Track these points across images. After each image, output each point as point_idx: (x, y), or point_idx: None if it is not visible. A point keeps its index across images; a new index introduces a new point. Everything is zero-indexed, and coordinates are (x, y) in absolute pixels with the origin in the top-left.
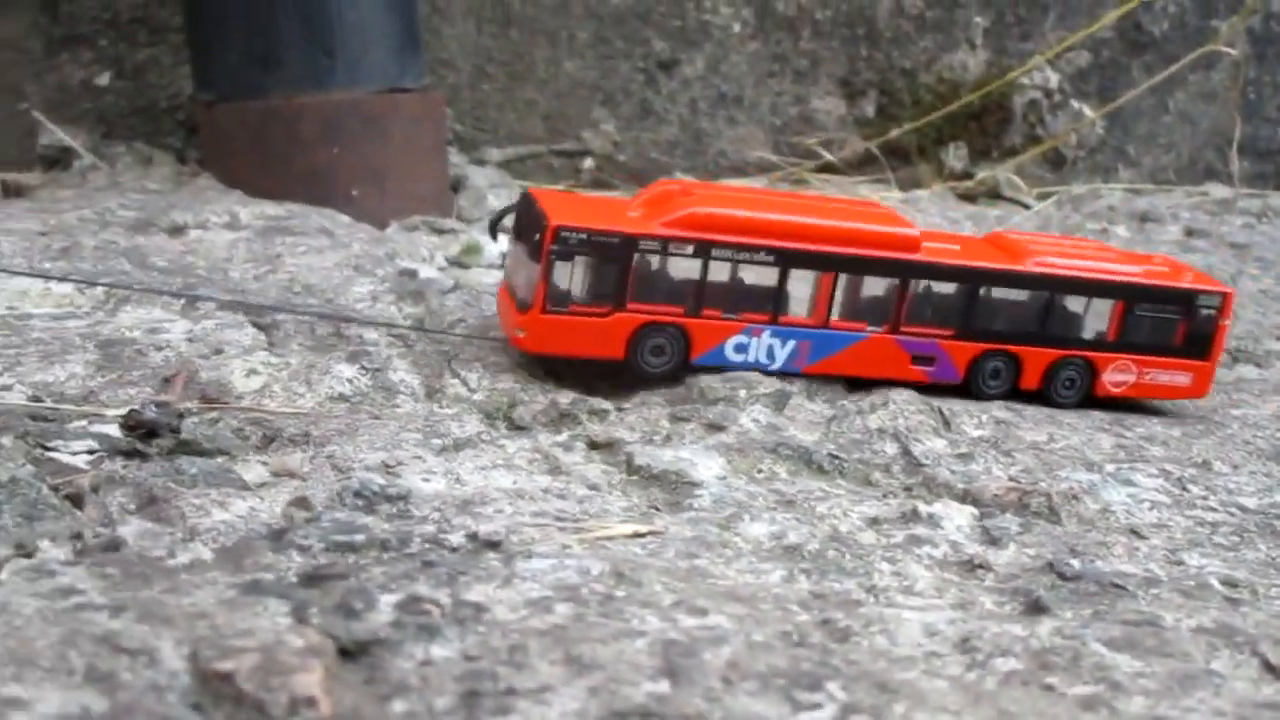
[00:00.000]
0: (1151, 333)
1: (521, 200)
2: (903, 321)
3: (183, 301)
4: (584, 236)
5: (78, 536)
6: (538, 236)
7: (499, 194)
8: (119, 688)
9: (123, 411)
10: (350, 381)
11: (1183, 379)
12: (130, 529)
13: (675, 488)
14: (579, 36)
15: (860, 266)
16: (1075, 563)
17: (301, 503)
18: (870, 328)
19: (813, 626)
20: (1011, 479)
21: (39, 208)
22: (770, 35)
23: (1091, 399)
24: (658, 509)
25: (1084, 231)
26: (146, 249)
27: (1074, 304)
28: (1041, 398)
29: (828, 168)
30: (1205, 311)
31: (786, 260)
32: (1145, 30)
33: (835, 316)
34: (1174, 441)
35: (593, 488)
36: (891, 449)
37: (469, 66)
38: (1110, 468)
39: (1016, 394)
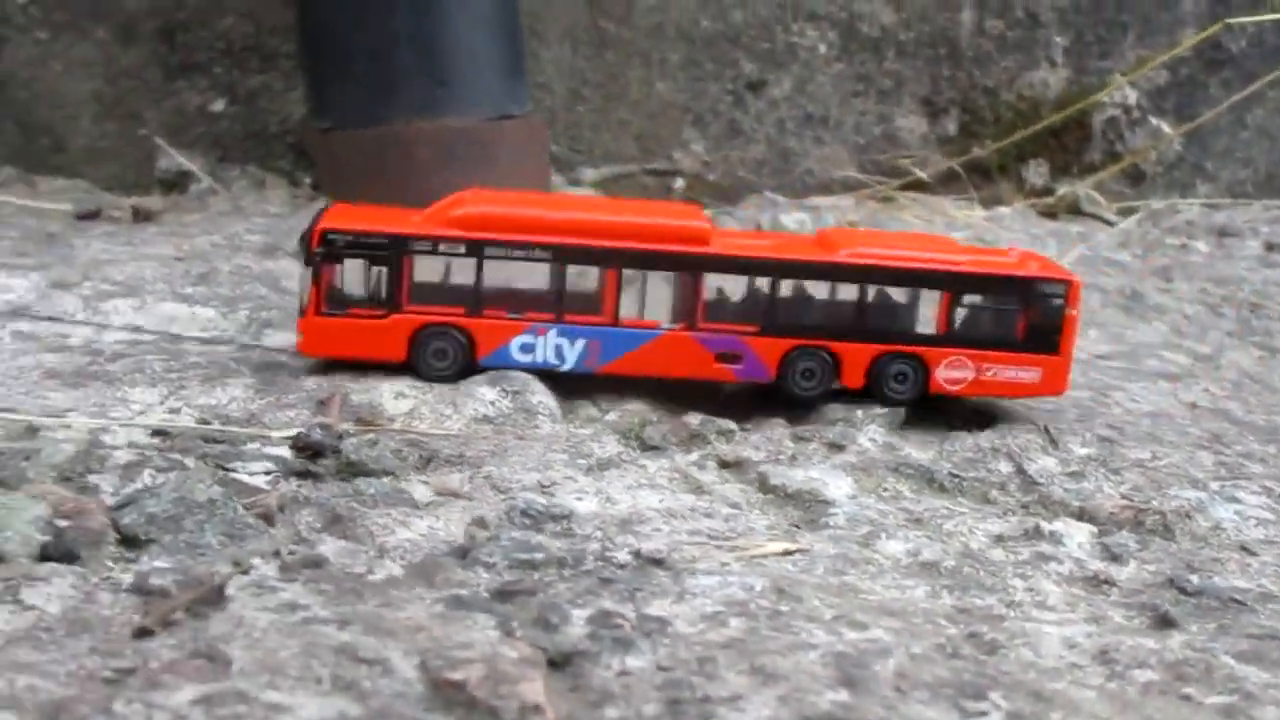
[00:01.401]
0: (986, 325)
1: (315, 214)
2: (701, 318)
3: None
4: (351, 238)
5: (276, 554)
6: (305, 246)
7: None
8: (367, 695)
9: (289, 433)
10: (493, 404)
11: (1030, 375)
12: (328, 547)
13: (809, 506)
14: (671, 59)
15: (643, 261)
16: (1194, 578)
17: (480, 522)
18: (665, 325)
19: (962, 640)
20: (1124, 497)
21: (169, 232)
22: (855, 56)
23: (930, 399)
24: (797, 527)
25: (1163, 248)
26: (277, 273)
27: (895, 296)
28: (871, 396)
29: (913, 185)
30: (1050, 302)
31: (563, 257)
32: (1224, 48)
33: (625, 314)
34: (1271, 459)
35: (734, 506)
36: (1006, 468)
37: (564, 89)
38: (1215, 485)
39: (843, 393)
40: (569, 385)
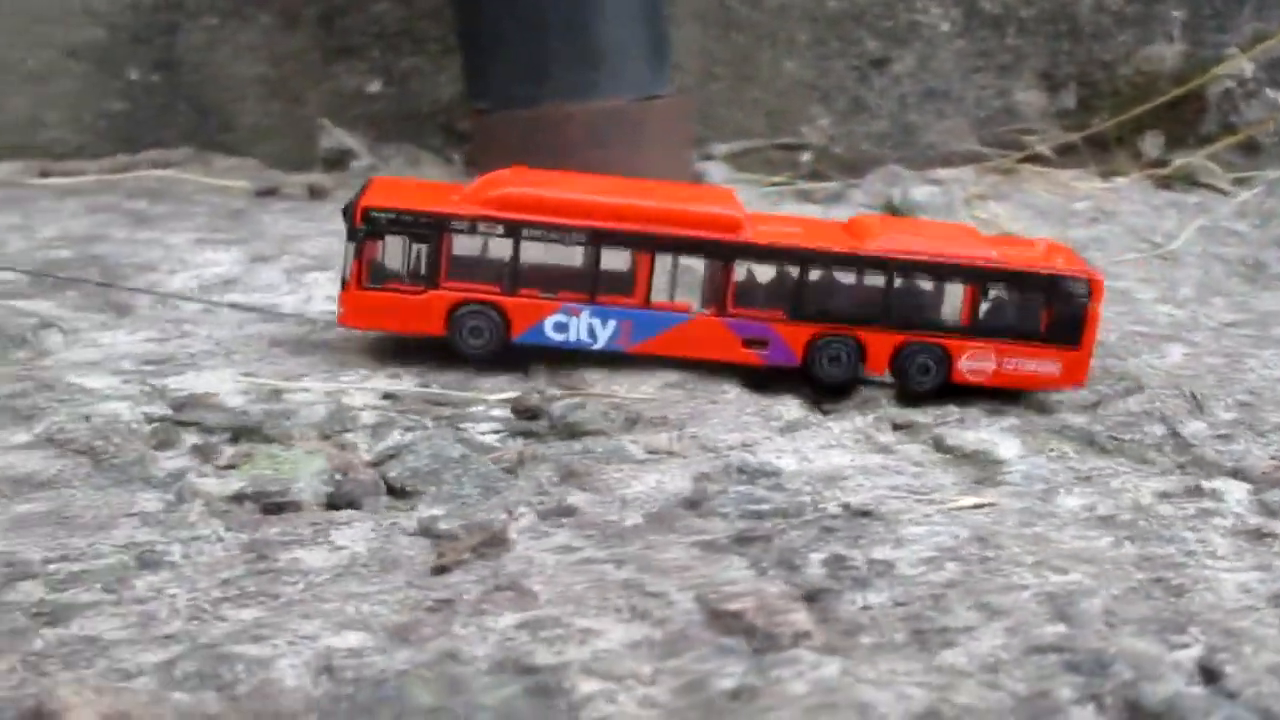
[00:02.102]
0: (1010, 318)
1: (358, 191)
2: (730, 303)
3: None
4: (393, 216)
5: (530, 504)
6: (350, 216)
7: (740, 187)
8: (661, 622)
9: (505, 397)
10: (680, 371)
11: (1051, 367)
12: (577, 498)
13: (985, 465)
14: (798, 38)
15: (676, 246)
16: None
17: (706, 476)
18: (696, 309)
19: (1150, 584)
20: (1273, 457)
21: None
22: (976, 33)
23: (953, 387)
24: (979, 484)
25: (1277, 219)
26: None
27: (921, 288)
28: (895, 384)
29: (1033, 158)
30: (1073, 298)
31: (599, 240)
32: None
33: (657, 297)
34: None
35: (918, 464)
36: (1159, 430)
37: (697, 69)
38: None
39: (867, 380)
40: None
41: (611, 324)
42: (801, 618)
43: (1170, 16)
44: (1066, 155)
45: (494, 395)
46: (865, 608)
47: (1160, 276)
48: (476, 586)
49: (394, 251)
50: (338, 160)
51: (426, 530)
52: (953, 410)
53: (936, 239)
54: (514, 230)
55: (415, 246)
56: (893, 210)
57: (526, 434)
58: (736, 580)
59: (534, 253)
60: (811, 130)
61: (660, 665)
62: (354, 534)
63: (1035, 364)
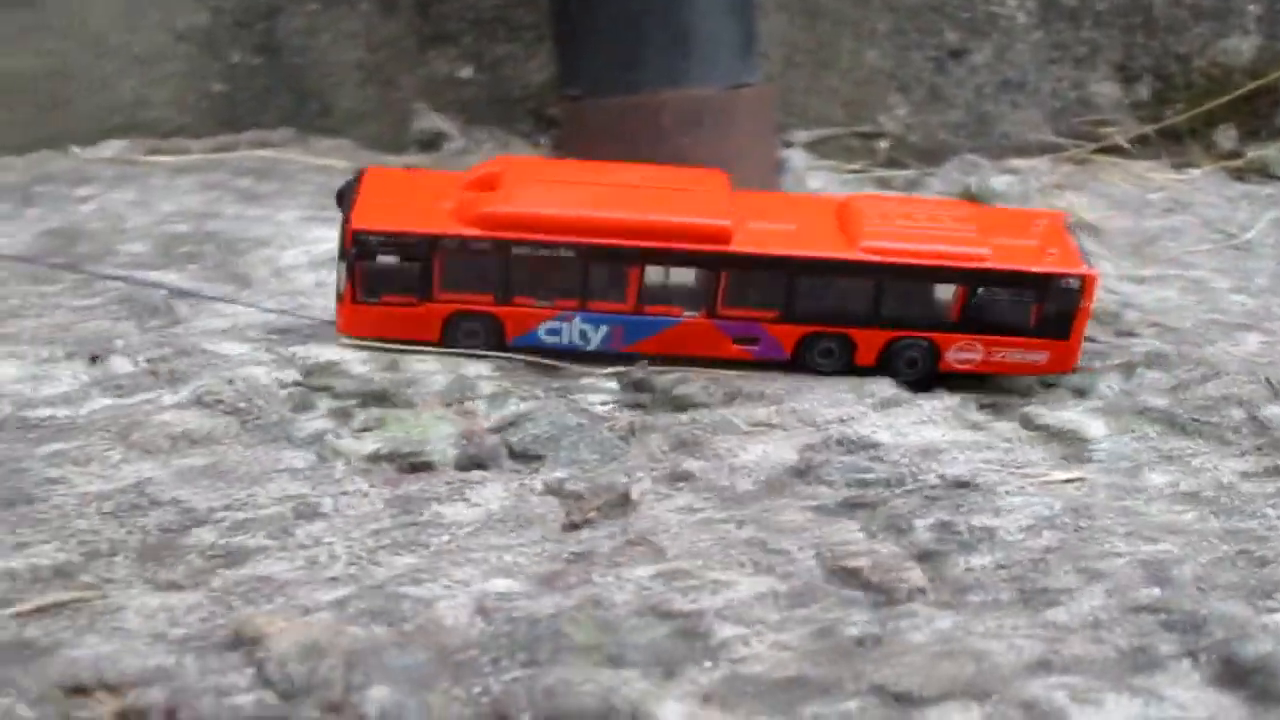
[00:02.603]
0: (1000, 315)
1: (353, 179)
2: (720, 306)
3: None
4: (383, 239)
5: (645, 469)
6: (342, 233)
7: (817, 175)
8: (786, 576)
9: (614, 370)
10: None
11: (1038, 357)
12: (691, 464)
13: (1072, 443)
14: (879, 28)
15: (665, 258)
16: None
17: (811, 448)
18: (686, 313)
19: (1236, 555)
20: None
21: None
22: (1052, 25)
23: (938, 375)
24: (1067, 460)
25: None
26: None
27: (911, 289)
28: (883, 373)
29: (1108, 149)
30: (1065, 295)
31: (589, 257)
32: None
33: (648, 303)
34: None
35: (1008, 441)
36: (1238, 414)
37: (779, 57)
38: None
39: (855, 370)
40: None
41: (603, 329)
42: (916, 575)
43: (1246, 10)
44: (1141, 147)
45: (602, 369)
46: (970, 569)
47: (1234, 267)
48: (608, 541)
49: (387, 267)
50: (430, 143)
51: (555, 490)
52: (1037, 390)
53: (929, 231)
54: (504, 248)
55: (406, 263)
56: (970, 198)
57: (635, 405)
58: (851, 541)
59: (525, 263)
60: (889, 119)
61: (789, 614)
62: (488, 493)
63: (1023, 354)
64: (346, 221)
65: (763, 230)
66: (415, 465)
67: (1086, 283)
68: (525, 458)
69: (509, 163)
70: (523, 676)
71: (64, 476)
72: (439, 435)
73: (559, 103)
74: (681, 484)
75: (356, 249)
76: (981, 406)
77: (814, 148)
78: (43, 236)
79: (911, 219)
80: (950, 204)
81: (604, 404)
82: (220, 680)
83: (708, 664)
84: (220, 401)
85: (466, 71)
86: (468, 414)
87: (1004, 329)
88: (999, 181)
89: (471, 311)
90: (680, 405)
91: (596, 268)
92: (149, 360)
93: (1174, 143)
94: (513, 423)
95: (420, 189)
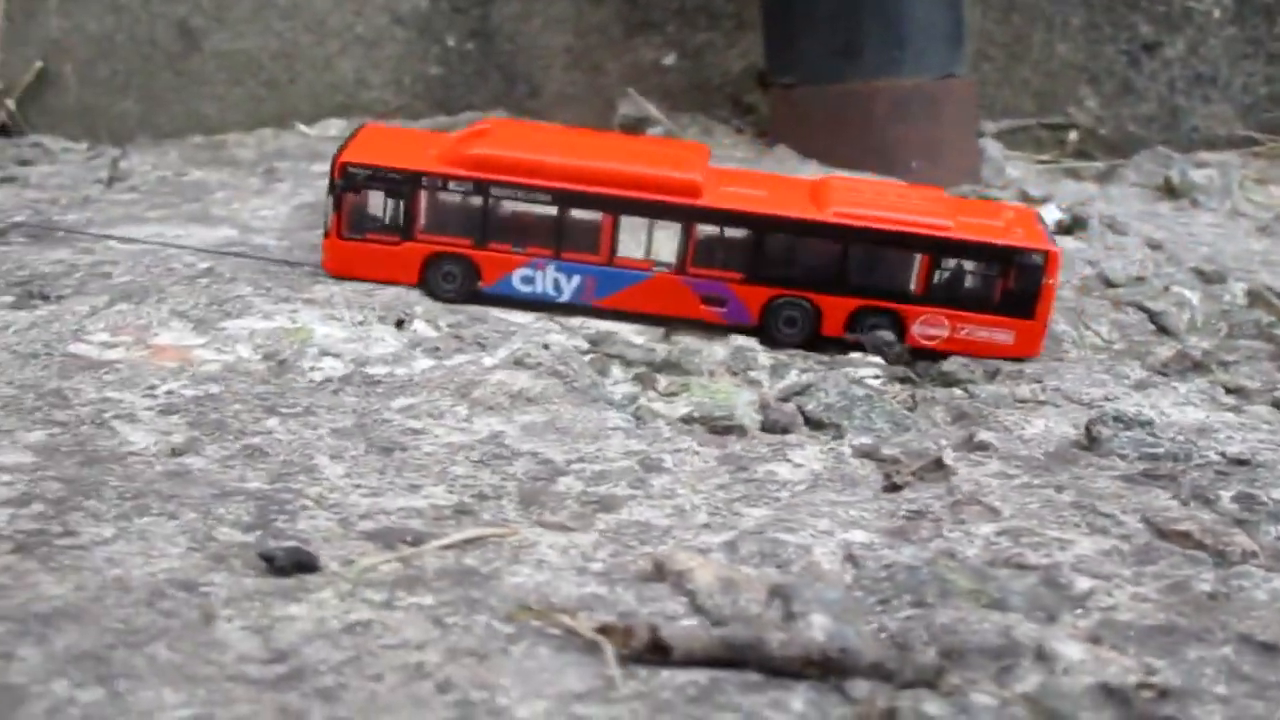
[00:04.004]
0: (964, 288)
1: (350, 133)
2: (690, 263)
3: None
4: (369, 172)
5: (943, 438)
6: (331, 171)
7: (1016, 164)
8: (1122, 537)
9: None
10: None
11: (1004, 336)
12: (984, 435)
13: None
14: (1072, 22)
15: (636, 209)
16: None
17: (1100, 420)
18: (657, 267)
19: None
20: None
21: None
22: (1247, 20)
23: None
24: None
25: None
26: None
27: (876, 255)
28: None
29: None
30: (1028, 271)
31: (564, 201)
32: None
33: (619, 255)
34: None
35: (1268, 423)
36: None
37: (972, 48)
38: None
39: (821, 341)
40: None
41: (576, 279)
42: (1244, 539)
43: None
44: None
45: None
46: (1277, 538)
47: None
48: (937, 502)
49: (372, 204)
50: (633, 128)
51: (867, 454)
52: (1277, 377)
53: (898, 206)
54: (483, 189)
55: (391, 200)
56: (1170, 190)
57: (904, 380)
58: (1168, 508)
59: (503, 209)
60: (1079, 111)
61: (1138, 570)
62: (805, 455)
63: (989, 333)
64: (336, 159)
65: (734, 192)
66: (727, 428)
67: (1050, 259)
68: (821, 425)
69: (496, 122)
70: (916, 615)
71: (424, 428)
72: (742, 401)
73: (768, 90)
74: (981, 452)
75: (344, 181)
76: (1228, 390)
77: (1003, 138)
78: (300, 210)
79: (882, 195)
80: (923, 189)
81: (876, 378)
82: (662, 607)
83: (1078, 611)
84: (540, 364)
85: (669, 58)
86: (753, 383)
87: (968, 304)
88: (1199, 174)
89: (450, 253)
90: (948, 381)
91: (571, 215)
92: (450, 326)
93: None
94: (799, 392)
95: (412, 141)
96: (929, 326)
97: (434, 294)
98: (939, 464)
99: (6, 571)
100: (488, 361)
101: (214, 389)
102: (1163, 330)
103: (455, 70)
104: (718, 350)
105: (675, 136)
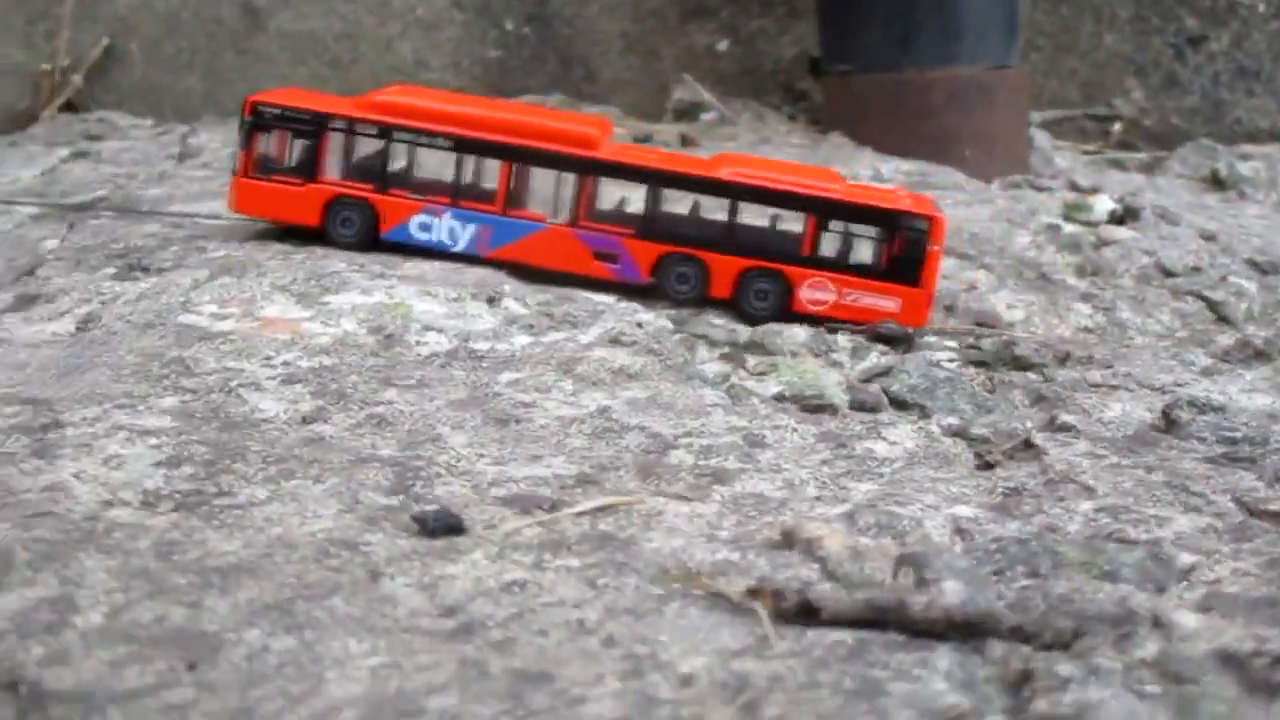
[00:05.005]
0: (850, 252)
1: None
2: (583, 216)
3: None
4: (278, 112)
5: (1027, 420)
6: (241, 113)
7: (1063, 154)
8: (1216, 515)
9: (951, 328)
10: (1090, 316)
11: (890, 304)
12: (1067, 417)
13: None
14: (1120, 14)
15: (532, 158)
16: None
17: (1177, 405)
18: (551, 220)
19: None
20: None
21: None
22: None
23: (793, 316)
24: None
25: None
26: None
27: (765, 216)
28: (735, 308)
29: None
30: (913, 236)
31: (462, 147)
32: None
33: (514, 206)
34: None
35: None
36: None
37: (1021, 39)
38: None
39: (710, 303)
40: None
41: (471, 228)
42: None
43: None
44: None
45: (937, 326)
46: None
47: None
48: (1032, 480)
49: (278, 145)
50: (685, 112)
51: (957, 434)
52: None
53: (790, 172)
54: (386, 132)
55: (297, 142)
56: (1218, 182)
57: (979, 364)
58: (1255, 488)
59: (405, 156)
60: (1124, 102)
61: (1236, 546)
62: (898, 434)
63: (875, 299)
64: (245, 103)
65: (630, 150)
66: (819, 407)
67: (934, 225)
68: (906, 405)
69: (407, 87)
70: (1032, 585)
71: (534, 402)
72: (830, 382)
73: (820, 78)
74: (1066, 434)
75: (253, 119)
76: None
77: (1048, 128)
78: None
79: (779, 166)
80: (816, 168)
81: (951, 361)
82: (795, 573)
83: (1185, 583)
84: (635, 343)
85: (723, 44)
86: (835, 364)
87: (854, 269)
88: (1245, 166)
89: (351, 197)
90: (1021, 365)
91: (469, 163)
92: (539, 304)
93: None
94: (881, 374)
95: (329, 99)
96: (816, 290)
97: (333, 240)
98: (1028, 444)
99: (175, 528)
100: (583, 339)
101: (328, 361)
102: (1222, 319)
103: (513, 53)
104: (798, 334)
105: (729, 123)
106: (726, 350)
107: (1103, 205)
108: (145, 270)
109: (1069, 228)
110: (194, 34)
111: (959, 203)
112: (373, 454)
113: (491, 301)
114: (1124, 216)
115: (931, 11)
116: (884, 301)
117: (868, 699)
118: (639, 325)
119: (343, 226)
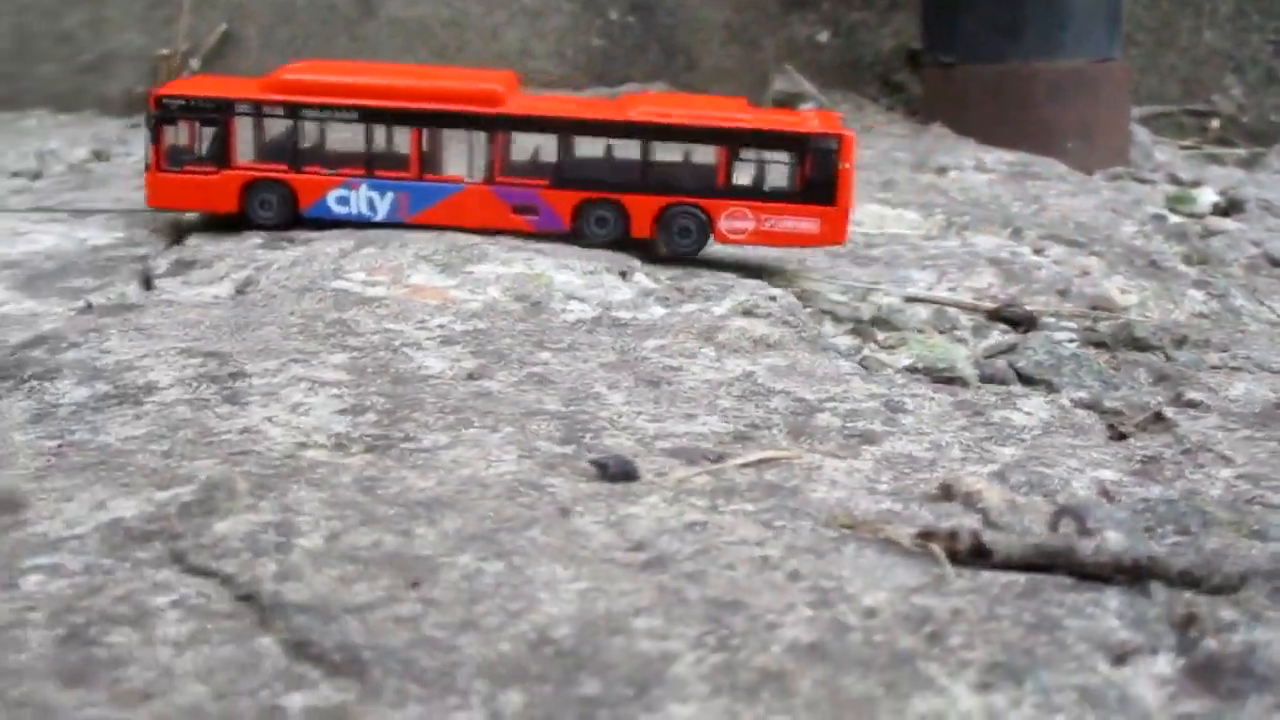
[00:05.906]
0: (764, 179)
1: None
2: (498, 173)
3: (1009, 230)
4: (184, 102)
5: (1154, 396)
6: (147, 107)
7: (1162, 148)
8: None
9: (1071, 310)
10: (1204, 303)
11: (809, 225)
12: (1194, 394)
13: None
14: (1221, 10)
15: (440, 121)
16: None
17: None
18: (466, 180)
19: None
20: None
21: None
22: None
23: (716, 248)
24: None
25: None
26: (942, 185)
27: (676, 152)
28: (658, 246)
29: None
30: (823, 156)
31: (369, 118)
32: None
33: (429, 170)
34: None
35: None
36: None
37: (1123, 33)
38: None
39: (633, 243)
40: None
41: (389, 196)
42: None
43: None
44: None
45: (1053, 308)
46: None
47: None
48: (1167, 450)
49: (188, 136)
50: (785, 103)
51: (1089, 406)
52: None
53: (697, 108)
54: (294, 112)
55: (206, 130)
56: None
57: (1098, 344)
58: None
59: (316, 132)
60: (1223, 98)
61: None
62: (1031, 405)
63: (794, 222)
64: (148, 97)
65: (538, 101)
66: (950, 379)
67: (844, 143)
68: (1033, 381)
69: (312, 62)
70: (1183, 542)
71: (681, 366)
72: (959, 356)
73: (919, 69)
74: (1195, 409)
75: (159, 113)
76: None
77: (1147, 123)
78: None
79: (686, 103)
80: (727, 99)
81: (1070, 340)
82: (960, 522)
83: None
84: (770, 315)
85: (823, 36)
86: (960, 341)
87: (770, 195)
88: None
89: (266, 179)
90: (1140, 346)
91: (379, 132)
92: (669, 279)
93: None
94: (1004, 351)
95: (236, 82)
96: (735, 220)
97: (255, 222)
98: (1159, 417)
99: (371, 467)
100: (717, 310)
101: (480, 324)
102: None
103: (616, 42)
104: (920, 311)
105: (827, 112)
106: (852, 326)
107: (1206, 197)
108: (290, 241)
109: (1174, 218)
110: (308, 20)
111: (1063, 193)
112: (540, 408)
113: (624, 275)
114: (1228, 209)
115: (1036, 3)
116: (803, 223)
117: (1047, 631)
118: (771, 299)
119: (262, 209)
